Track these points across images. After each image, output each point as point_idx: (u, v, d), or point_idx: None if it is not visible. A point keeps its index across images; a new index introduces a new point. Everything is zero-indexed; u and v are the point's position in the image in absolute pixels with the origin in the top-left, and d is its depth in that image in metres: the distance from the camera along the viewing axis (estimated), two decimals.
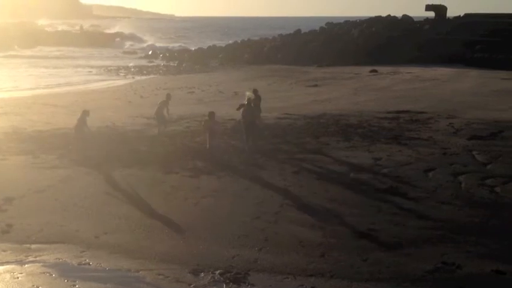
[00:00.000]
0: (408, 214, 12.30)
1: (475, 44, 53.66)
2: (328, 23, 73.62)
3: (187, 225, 11.67)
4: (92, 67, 57.20)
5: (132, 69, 55.09)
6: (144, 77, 48.23)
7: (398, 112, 25.45)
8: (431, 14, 66.66)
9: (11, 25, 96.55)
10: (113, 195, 13.69)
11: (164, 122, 20.16)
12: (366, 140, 19.61)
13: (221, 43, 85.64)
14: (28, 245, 10.68)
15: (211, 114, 17.97)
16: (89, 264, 9.91)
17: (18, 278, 9.37)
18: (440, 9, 65.25)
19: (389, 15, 69.82)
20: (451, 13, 66.85)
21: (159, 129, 20.18)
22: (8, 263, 9.93)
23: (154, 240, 10.97)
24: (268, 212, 12.37)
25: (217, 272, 9.55)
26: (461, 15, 64.66)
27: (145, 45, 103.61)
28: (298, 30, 71.12)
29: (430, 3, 66.20)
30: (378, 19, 68.66)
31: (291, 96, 33.12)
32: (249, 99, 18.55)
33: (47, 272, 9.56)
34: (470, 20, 60.24)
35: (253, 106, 18.64)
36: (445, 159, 16.97)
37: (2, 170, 15.72)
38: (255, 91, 20.52)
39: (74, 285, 9.11)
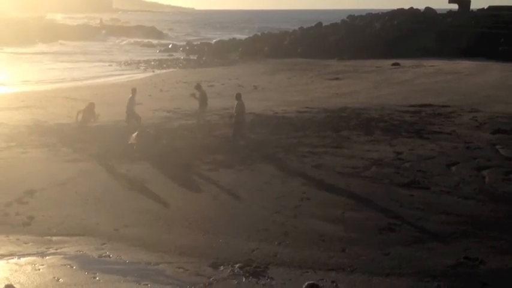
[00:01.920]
0: (430, 209, 12.14)
1: (499, 37, 52.77)
2: (349, 16, 72.98)
3: (207, 218, 11.65)
4: (112, 61, 57.48)
5: (152, 63, 55.24)
6: (164, 71, 48.34)
7: (420, 106, 25.13)
8: (454, 7, 65.73)
9: (32, 19, 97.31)
10: (133, 188, 13.73)
11: (136, 118, 19.26)
12: (388, 134, 19.40)
13: (241, 36, 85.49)
14: (49, 237, 10.75)
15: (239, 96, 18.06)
16: (109, 257, 9.94)
17: (39, 269, 9.43)
18: (463, 2, 64.29)
19: (411, 8, 68.90)
20: (474, 5, 65.88)
21: (132, 124, 19.10)
22: (29, 255, 10.00)
23: (174, 233, 10.96)
24: (288, 206, 12.30)
25: (237, 265, 9.50)
26: (485, 8, 63.64)
27: (165, 38, 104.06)
28: (319, 23, 70.62)
29: None
30: (400, 11, 67.83)
31: (312, 89, 32.92)
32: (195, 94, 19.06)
33: (68, 264, 9.61)
34: (494, 13, 59.25)
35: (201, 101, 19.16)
36: (468, 153, 16.71)
37: (23, 162, 15.85)
38: (198, 86, 19.97)
39: (95, 278, 9.13)
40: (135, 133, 17.38)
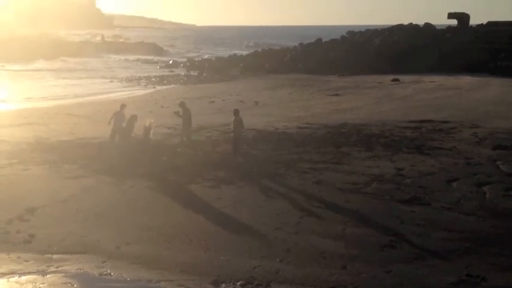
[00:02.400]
0: (432, 225, 12.13)
1: (499, 53, 53.02)
2: (349, 32, 73.35)
3: (208, 235, 11.64)
4: (113, 77, 57.71)
5: (153, 79, 55.46)
6: (165, 87, 48.53)
7: (421, 122, 25.20)
8: (453, 22, 66.09)
9: (34, 36, 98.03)
10: (134, 205, 13.73)
11: (124, 133, 18.68)
12: (388, 149, 19.43)
13: (242, 52, 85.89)
14: (50, 255, 10.73)
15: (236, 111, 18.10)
16: (110, 275, 9.93)
17: None
18: (462, 17, 64.65)
19: (411, 24, 69.32)
20: (473, 21, 66.18)
21: (121, 140, 18.75)
22: (30, 273, 9.98)
23: (175, 250, 10.95)
24: (289, 223, 12.29)
25: (239, 283, 9.49)
26: (484, 23, 63.94)
27: (166, 54, 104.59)
28: (319, 39, 70.99)
29: (453, 11, 65.73)
30: (399, 27, 68.18)
31: (312, 105, 33.02)
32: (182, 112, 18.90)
33: (69, 283, 9.59)
34: (494, 28, 59.52)
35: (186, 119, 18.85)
36: (468, 169, 16.74)
37: (25, 180, 15.85)
38: (182, 104, 19.69)
39: None
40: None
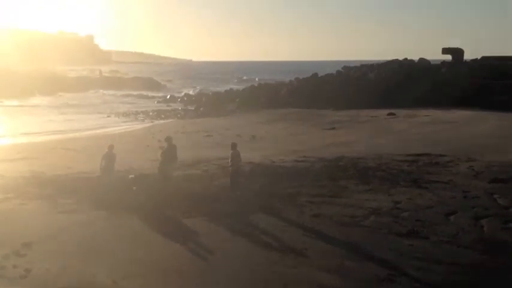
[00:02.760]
0: (430, 258, 12.08)
1: (493, 87, 53.52)
2: (344, 67, 74.14)
3: (205, 269, 11.55)
4: (110, 112, 58.00)
5: (151, 113, 55.73)
6: (162, 121, 48.74)
7: (417, 155, 25.26)
8: (448, 57, 66.86)
9: (32, 72, 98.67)
10: (131, 239, 13.64)
11: (109, 174, 18.49)
12: (385, 183, 19.44)
13: (238, 87, 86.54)
14: None
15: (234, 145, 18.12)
16: None
17: None
18: (457, 52, 65.46)
19: (406, 59, 70.15)
20: (468, 56, 67.02)
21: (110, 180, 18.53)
22: None
23: (171, 285, 10.84)
24: (287, 256, 12.22)
25: None
26: (479, 58, 64.73)
27: (163, 89, 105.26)
28: (315, 74, 71.67)
29: (447, 46, 66.54)
30: (394, 62, 69.01)
31: (308, 139, 33.14)
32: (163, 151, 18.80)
33: None
34: (488, 63, 60.24)
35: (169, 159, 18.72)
36: (466, 202, 16.73)
37: (21, 214, 15.76)
38: (168, 139, 19.52)
39: None
40: (132, 176, 17.54)
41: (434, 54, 75.47)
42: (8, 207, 16.43)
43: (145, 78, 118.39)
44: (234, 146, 18.14)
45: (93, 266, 11.82)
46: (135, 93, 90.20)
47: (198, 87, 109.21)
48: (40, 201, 17.24)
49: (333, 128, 38.65)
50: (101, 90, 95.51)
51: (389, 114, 47.02)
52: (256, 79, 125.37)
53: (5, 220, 15.11)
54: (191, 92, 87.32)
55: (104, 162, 18.32)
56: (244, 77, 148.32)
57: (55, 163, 24.31)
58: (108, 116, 53.88)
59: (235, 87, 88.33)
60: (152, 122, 48.31)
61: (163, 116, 53.99)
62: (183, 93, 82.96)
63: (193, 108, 61.50)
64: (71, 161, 25.10)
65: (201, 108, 61.09)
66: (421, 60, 68.68)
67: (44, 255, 12.41)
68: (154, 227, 14.61)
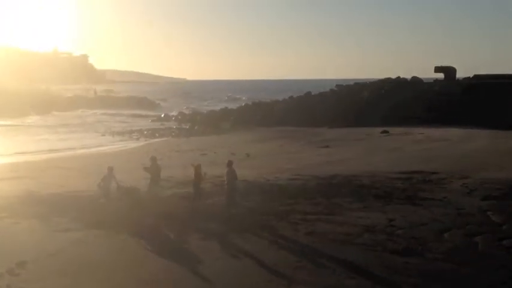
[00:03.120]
0: (426, 276, 12.10)
1: (486, 105, 53.91)
2: (338, 85, 74.62)
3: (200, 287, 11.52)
4: (105, 131, 58.04)
5: (145, 132, 55.81)
6: (156, 140, 48.82)
7: (411, 172, 25.37)
8: (440, 76, 67.44)
9: (27, 91, 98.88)
10: (125, 258, 13.60)
11: (107, 194, 18.60)
12: (380, 200, 19.50)
13: (232, 105, 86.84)
14: None
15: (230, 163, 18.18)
16: None
17: None
18: (449, 71, 66.10)
19: (398, 77, 70.70)
20: (460, 74, 67.62)
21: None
22: None
23: None
24: (281, 275, 12.21)
25: None
26: (471, 77, 65.30)
27: (158, 108, 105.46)
28: (309, 92, 72.12)
29: (439, 65, 67.16)
30: (387, 80, 69.55)
31: (303, 157, 33.23)
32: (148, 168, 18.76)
33: None
34: (480, 82, 60.76)
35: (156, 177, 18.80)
36: (460, 219, 16.80)
37: (15, 234, 15.71)
38: (152, 159, 19.46)
39: None
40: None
41: (427, 73, 76.11)
42: (2, 226, 16.39)
43: (139, 97, 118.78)
44: (229, 163, 18.21)
45: (88, 285, 11.79)
46: (129, 112, 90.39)
47: (192, 106, 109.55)
48: (34, 220, 17.20)
49: (327, 146, 38.80)
50: (95, 110, 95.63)
51: (383, 132, 47.29)
52: (243, 98, 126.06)
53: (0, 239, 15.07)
54: (185, 111, 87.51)
55: (103, 183, 18.35)
56: (238, 96, 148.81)
57: (50, 182, 24.28)
58: (102, 135, 53.93)
59: (229, 105, 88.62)
60: (146, 140, 48.37)
61: (157, 134, 54.09)
62: (177, 112, 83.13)
63: (187, 127, 61.65)
64: (66, 179, 25.07)
65: (196, 127, 61.28)
66: (414, 78, 69.29)
67: (39, 275, 12.37)
68: (149, 245, 14.58)
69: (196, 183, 18.77)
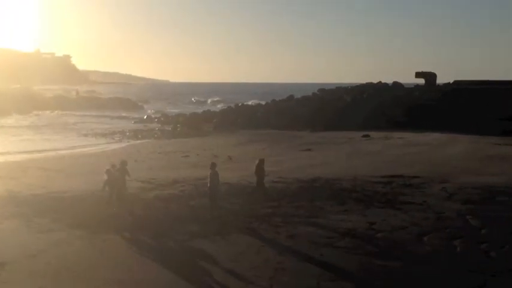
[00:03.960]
0: (405, 279, 12.26)
1: (465, 110, 54.57)
2: (320, 89, 75.04)
3: None
4: (87, 131, 57.68)
5: (127, 134, 55.56)
6: (138, 141, 48.62)
7: (391, 176, 25.60)
8: (421, 81, 68.12)
9: (8, 90, 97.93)
10: (106, 259, 13.59)
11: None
12: (360, 204, 19.69)
13: (215, 108, 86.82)
14: None
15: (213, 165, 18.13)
16: None
17: None
18: (429, 76, 66.79)
19: (380, 82, 71.32)
20: (440, 80, 68.39)
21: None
22: None
23: None
24: (262, 277, 12.30)
25: None
26: (451, 82, 66.06)
27: (140, 109, 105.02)
28: (291, 96, 72.42)
29: (420, 70, 67.82)
30: (369, 85, 70.13)
31: (285, 160, 33.36)
32: (110, 171, 18.28)
33: None
34: (460, 87, 61.50)
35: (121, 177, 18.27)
36: (439, 223, 17.02)
37: None
38: (123, 162, 18.84)
39: None
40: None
41: (408, 78, 76.90)
42: None
43: (122, 99, 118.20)
44: (213, 166, 18.24)
45: (68, 286, 11.76)
46: (112, 113, 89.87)
47: (175, 108, 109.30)
48: (16, 220, 17.10)
49: (309, 150, 38.99)
50: (77, 110, 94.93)
51: (364, 136, 47.63)
52: (232, 100, 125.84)
53: None
54: (168, 113, 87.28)
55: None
56: (221, 98, 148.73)
57: (31, 182, 24.12)
58: (84, 136, 53.58)
59: (212, 108, 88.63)
60: (129, 141, 48.17)
61: (140, 136, 53.88)
62: (160, 114, 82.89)
63: (170, 129, 61.46)
64: (48, 180, 24.92)
65: (178, 129, 61.11)
66: (395, 83, 69.96)
67: (19, 276, 12.32)
68: (132, 246, 14.59)
69: (261, 177, 19.70)
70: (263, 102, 76.75)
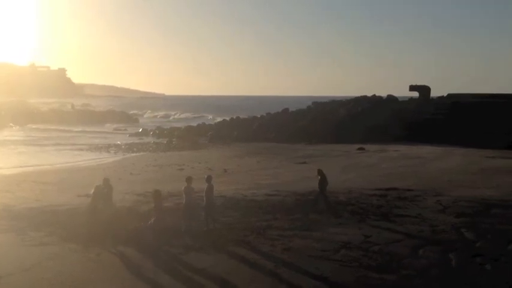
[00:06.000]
0: None
1: (459, 123, 54.84)
2: (314, 102, 75.33)
3: None
4: (82, 144, 57.59)
5: (123, 147, 55.51)
6: (134, 154, 48.57)
7: (386, 189, 25.67)
8: (415, 94, 68.48)
9: (4, 104, 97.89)
10: (101, 273, 13.53)
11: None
12: (356, 216, 19.71)
13: (210, 121, 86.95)
14: None
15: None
16: None
17: None
18: (423, 90, 67.18)
19: (374, 95, 71.67)
20: (434, 93, 68.78)
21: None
22: None
23: None
24: None
25: None
26: (445, 95, 66.41)
27: (135, 122, 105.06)
28: (286, 109, 72.62)
29: (414, 83, 68.18)
30: (363, 98, 70.47)
31: (281, 173, 33.40)
32: (96, 190, 17.35)
33: None
34: (454, 100, 61.80)
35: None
36: (434, 236, 17.06)
37: None
38: (106, 180, 17.87)
39: None
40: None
41: (402, 91, 77.28)
42: None
43: (117, 112, 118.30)
44: (208, 179, 18.24)
45: None
46: (107, 126, 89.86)
47: (170, 121, 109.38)
48: (10, 234, 17.02)
49: (305, 162, 39.04)
50: (73, 123, 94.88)
51: (359, 149, 47.77)
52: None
53: None
54: (163, 126, 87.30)
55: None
56: (216, 111, 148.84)
57: (26, 196, 24.06)
58: (79, 149, 53.47)
59: (207, 121, 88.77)
60: (124, 155, 48.11)
61: (135, 149, 53.84)
62: (155, 127, 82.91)
63: (165, 142, 61.46)
64: (41, 193, 24.85)
65: (173, 142, 61.11)
66: (389, 96, 70.33)
67: None
68: (126, 260, 14.54)
69: (323, 187, 20.40)
70: (258, 115, 76.80)
